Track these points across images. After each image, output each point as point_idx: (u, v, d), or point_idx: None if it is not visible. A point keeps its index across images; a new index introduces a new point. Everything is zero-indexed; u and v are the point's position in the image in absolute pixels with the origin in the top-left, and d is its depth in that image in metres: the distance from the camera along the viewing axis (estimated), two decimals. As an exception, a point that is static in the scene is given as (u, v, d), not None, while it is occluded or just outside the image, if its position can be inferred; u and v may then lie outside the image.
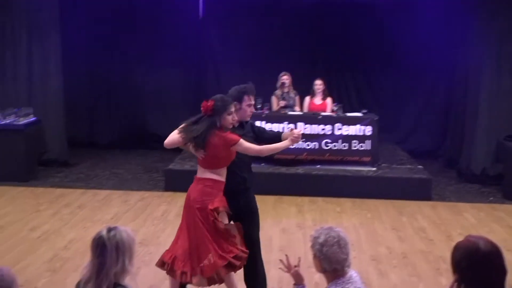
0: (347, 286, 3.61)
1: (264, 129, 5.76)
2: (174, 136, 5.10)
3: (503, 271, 3.03)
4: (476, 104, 10.82)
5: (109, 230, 3.20)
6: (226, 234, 5.10)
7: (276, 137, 5.45)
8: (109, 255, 3.10)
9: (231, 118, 5.11)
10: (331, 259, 3.60)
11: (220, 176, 5.16)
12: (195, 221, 5.08)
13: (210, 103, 5.01)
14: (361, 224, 8.33)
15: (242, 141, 5.07)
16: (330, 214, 8.75)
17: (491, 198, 9.91)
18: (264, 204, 9.10)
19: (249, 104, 5.37)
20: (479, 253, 3.01)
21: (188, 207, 5.17)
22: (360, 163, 10.04)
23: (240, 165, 5.26)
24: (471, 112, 11.03)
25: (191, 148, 5.12)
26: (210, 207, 5.04)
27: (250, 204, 5.43)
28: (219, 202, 5.11)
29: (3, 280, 2.91)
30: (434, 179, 10.30)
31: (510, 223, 8.51)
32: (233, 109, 5.11)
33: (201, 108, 5.05)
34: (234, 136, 5.07)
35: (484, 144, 10.76)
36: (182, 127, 5.12)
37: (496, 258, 3.03)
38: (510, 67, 10.70)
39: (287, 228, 8.04)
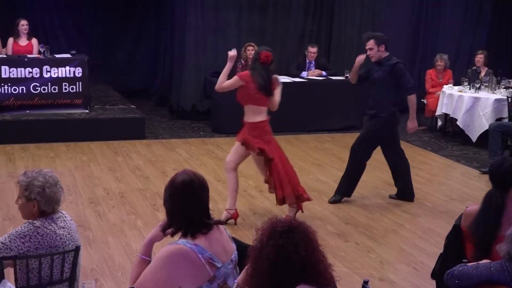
0: (58, 221, 3.63)
1: None
2: None
3: (197, 202, 3.12)
4: (183, 42, 11.15)
5: None
6: None
7: None
8: None
9: None
10: (53, 199, 3.58)
11: None
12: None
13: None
14: (76, 168, 8.19)
15: None
16: (43, 160, 8.44)
17: (202, 133, 10.41)
18: (-31, 155, 8.51)
19: None
20: (173, 185, 3.13)
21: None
22: (72, 105, 9.82)
23: None
24: (179, 50, 11.35)
25: None
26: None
27: None
28: None
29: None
30: (147, 117, 10.50)
31: (218, 155, 9.04)
32: None
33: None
34: None
35: (193, 81, 11.20)
36: None
37: (187, 188, 3.10)
38: (215, 4, 11.18)
39: (-4, 179, 7.60)
